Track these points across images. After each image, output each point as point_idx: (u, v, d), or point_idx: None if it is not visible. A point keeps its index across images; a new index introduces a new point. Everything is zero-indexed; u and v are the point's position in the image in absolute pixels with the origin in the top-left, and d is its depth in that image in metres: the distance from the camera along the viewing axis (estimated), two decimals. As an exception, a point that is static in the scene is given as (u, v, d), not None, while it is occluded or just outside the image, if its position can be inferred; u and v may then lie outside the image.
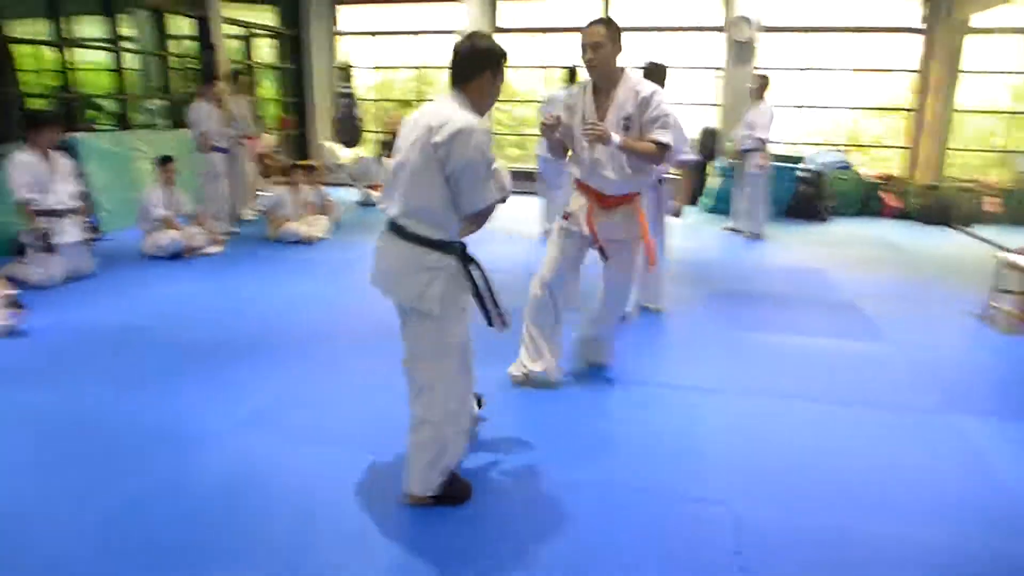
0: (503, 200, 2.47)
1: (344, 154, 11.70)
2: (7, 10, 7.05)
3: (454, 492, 2.56)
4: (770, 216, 8.09)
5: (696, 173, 9.94)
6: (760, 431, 3.22)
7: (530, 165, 11.25)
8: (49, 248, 5.26)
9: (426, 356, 2.44)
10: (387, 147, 10.02)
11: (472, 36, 2.44)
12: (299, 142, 11.96)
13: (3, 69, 7.08)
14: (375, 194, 9.58)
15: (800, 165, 9.48)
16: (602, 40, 3.11)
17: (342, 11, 11.58)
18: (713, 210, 9.39)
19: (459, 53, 2.41)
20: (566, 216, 3.47)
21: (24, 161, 5.23)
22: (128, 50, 8.81)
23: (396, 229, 2.37)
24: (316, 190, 7.79)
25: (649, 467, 2.86)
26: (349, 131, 9.92)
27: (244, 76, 8.11)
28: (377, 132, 11.66)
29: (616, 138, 3.12)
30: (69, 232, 5.46)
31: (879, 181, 9.90)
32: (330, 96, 11.57)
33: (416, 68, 11.87)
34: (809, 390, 3.67)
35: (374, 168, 9.81)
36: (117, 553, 2.27)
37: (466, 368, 2.50)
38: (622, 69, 3.26)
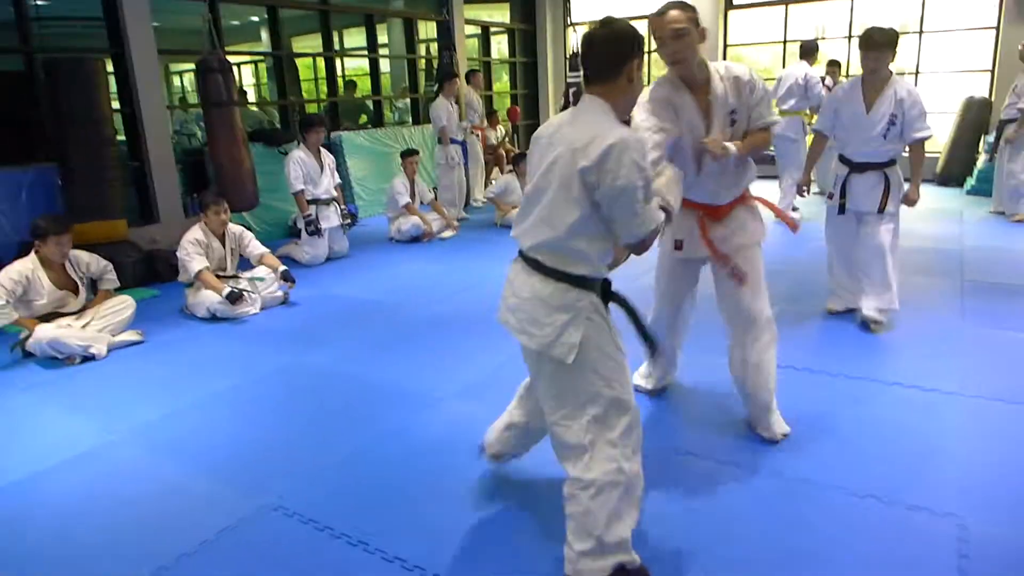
0: (669, 220, 2.16)
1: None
2: (291, 28, 8.21)
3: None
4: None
5: (965, 150, 8.77)
6: (1002, 441, 2.81)
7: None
8: (317, 232, 6.10)
9: (571, 408, 2.00)
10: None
11: (607, 21, 2.00)
12: (529, 132, 12.46)
13: (292, 80, 8.27)
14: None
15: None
16: (685, 26, 2.57)
17: (575, 2, 11.81)
18: (976, 191, 8.21)
19: (595, 43, 1.97)
20: (678, 246, 2.94)
21: (299, 157, 6.11)
22: (382, 56, 9.83)
23: (530, 261, 2.05)
24: (543, 178, 8.10)
25: (869, 468, 2.64)
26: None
27: (477, 73, 8.66)
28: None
29: (732, 148, 2.61)
30: (331, 218, 6.29)
31: None
32: (561, 86, 11.89)
33: (648, 52, 11.75)
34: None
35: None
36: (346, 490, 2.63)
37: (628, 422, 2.01)
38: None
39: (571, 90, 9.96)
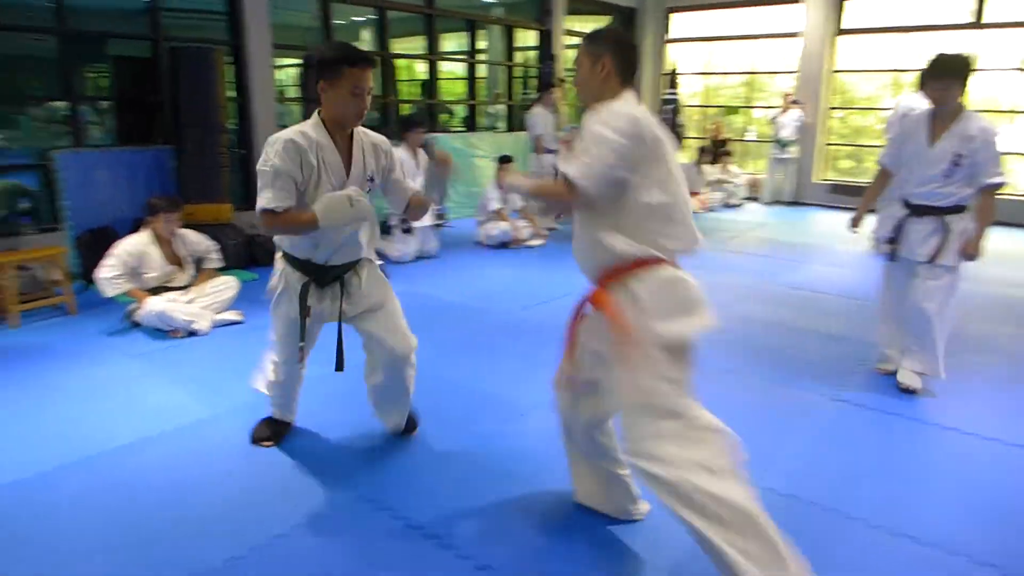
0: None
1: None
2: (393, 30, 8.40)
3: None
4: None
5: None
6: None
7: (863, 179, 10.35)
8: (408, 230, 6.20)
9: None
10: (706, 153, 9.92)
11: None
12: (620, 147, 12.37)
13: (388, 81, 8.47)
14: (694, 202, 9.53)
15: None
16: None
17: (674, 18, 11.69)
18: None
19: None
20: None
21: (399, 157, 6.22)
22: (481, 61, 9.95)
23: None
24: (633, 193, 8.02)
25: (945, 521, 2.48)
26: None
27: (561, 82, 8.67)
28: (698, 138, 11.60)
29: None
30: (424, 217, 6.38)
31: None
32: (656, 102, 11.77)
33: (747, 73, 11.52)
34: None
35: (692, 175, 9.77)
36: (436, 490, 2.64)
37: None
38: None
39: (667, 107, 9.86)
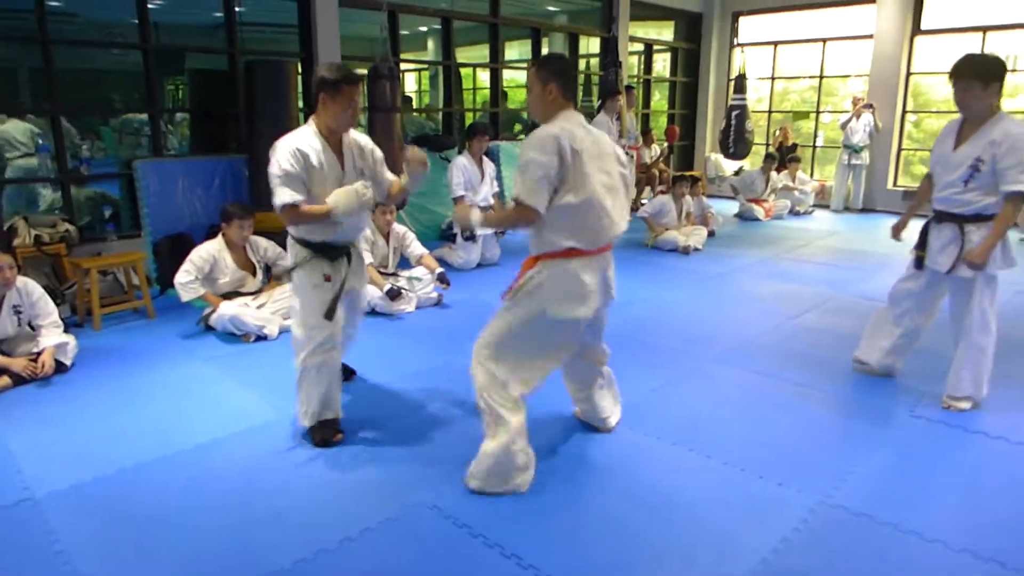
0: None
1: (728, 167, 11.62)
2: (458, 38, 8.50)
3: None
4: None
5: None
6: None
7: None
8: (472, 238, 6.25)
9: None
10: (772, 160, 9.68)
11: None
12: (686, 153, 12.22)
13: (452, 90, 8.57)
14: (757, 208, 9.33)
15: None
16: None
17: (743, 22, 11.47)
18: None
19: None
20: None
21: (462, 164, 6.29)
22: (545, 69, 9.96)
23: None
24: (698, 201, 7.90)
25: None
26: (736, 143, 9.83)
27: (632, 90, 8.57)
28: (765, 144, 11.34)
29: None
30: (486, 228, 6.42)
31: None
32: (721, 108, 11.57)
33: (816, 77, 11.20)
34: None
35: (758, 182, 9.55)
36: (502, 500, 2.64)
37: None
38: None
39: (734, 112, 9.67)
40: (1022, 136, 3.11)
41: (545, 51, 10.05)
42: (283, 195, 2.84)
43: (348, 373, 3.76)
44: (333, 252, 3.08)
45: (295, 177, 2.85)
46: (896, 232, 3.86)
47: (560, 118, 2.65)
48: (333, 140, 3.01)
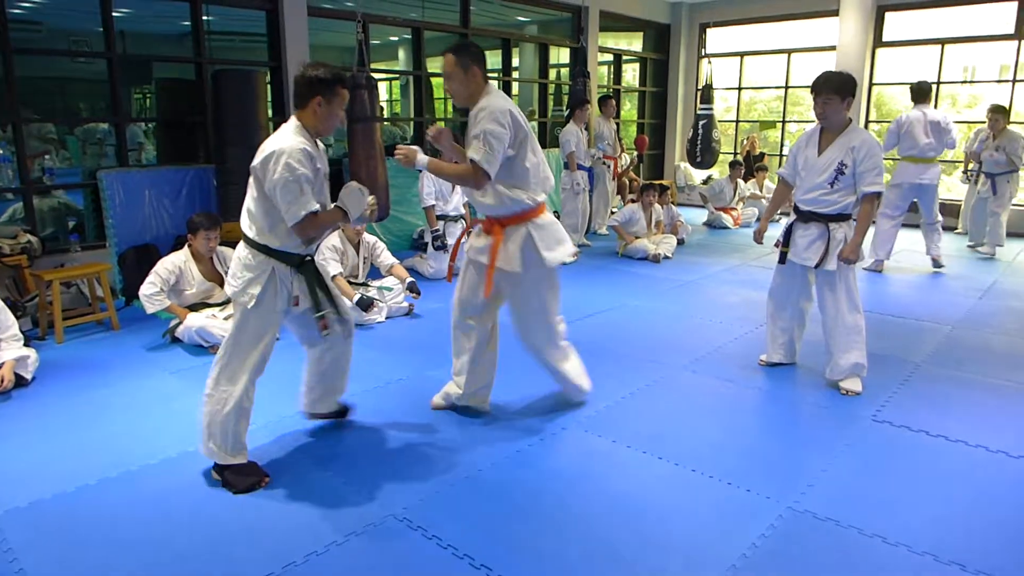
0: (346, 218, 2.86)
1: (697, 175, 11.76)
2: (428, 48, 8.50)
3: None
4: None
5: None
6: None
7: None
8: (444, 247, 6.24)
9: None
10: (739, 168, 9.83)
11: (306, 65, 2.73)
12: (655, 162, 12.35)
13: (423, 100, 8.57)
14: (725, 216, 9.46)
15: None
16: (450, 70, 3.04)
17: (710, 33, 11.65)
18: None
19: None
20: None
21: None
22: (514, 79, 10.01)
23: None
24: (667, 209, 7.99)
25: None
26: (704, 153, 9.96)
27: (610, 99, 8.66)
28: (733, 153, 11.50)
29: (418, 159, 3.06)
30: (458, 234, 6.41)
31: None
32: (690, 118, 11.72)
33: (782, 87, 11.40)
34: None
35: (727, 190, 9.69)
36: (469, 510, 2.64)
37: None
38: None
39: (701, 122, 9.80)
40: (876, 144, 3.62)
41: (516, 61, 10.11)
42: (307, 203, 2.62)
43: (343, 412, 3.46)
44: (298, 263, 2.84)
45: (309, 181, 2.64)
46: (759, 236, 4.22)
47: (490, 95, 2.99)
48: (314, 142, 2.81)
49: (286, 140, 2.65)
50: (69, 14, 6.09)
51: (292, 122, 2.76)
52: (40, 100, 6.21)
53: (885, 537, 2.46)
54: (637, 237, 7.43)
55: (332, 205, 2.86)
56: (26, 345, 3.98)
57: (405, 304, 5.20)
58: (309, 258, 2.88)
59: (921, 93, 6.76)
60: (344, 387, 3.33)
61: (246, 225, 2.80)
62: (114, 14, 5.67)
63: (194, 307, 4.60)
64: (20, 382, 3.80)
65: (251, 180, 2.74)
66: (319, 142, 2.84)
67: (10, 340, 3.85)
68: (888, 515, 2.61)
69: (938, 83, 9.64)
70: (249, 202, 2.77)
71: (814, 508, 2.64)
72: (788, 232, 3.89)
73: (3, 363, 3.74)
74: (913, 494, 2.78)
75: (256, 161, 2.66)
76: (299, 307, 2.88)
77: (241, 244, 2.83)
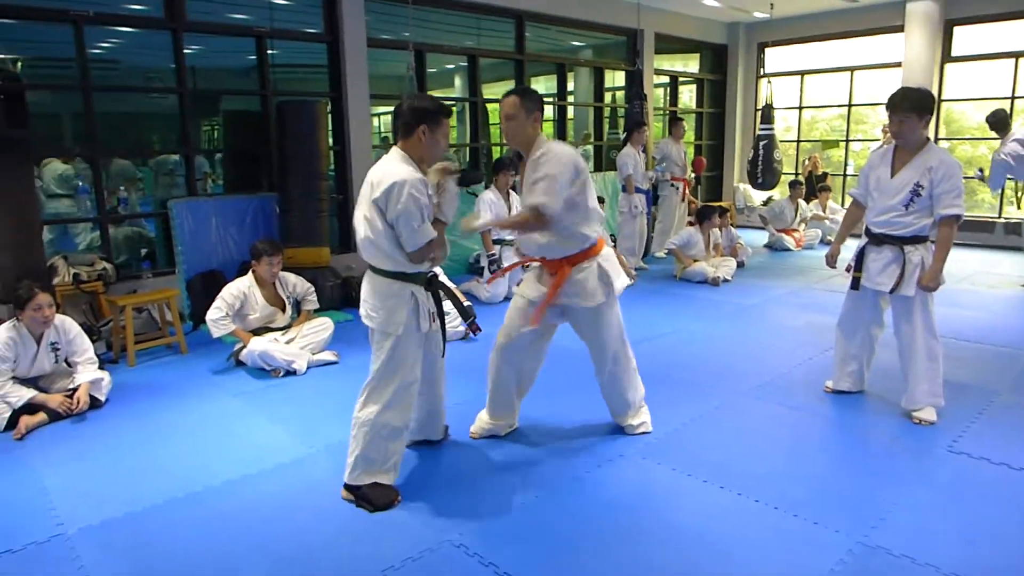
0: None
1: (757, 197, 11.54)
2: (484, 75, 8.62)
3: None
4: None
5: None
6: None
7: (974, 213, 9.76)
8: (498, 265, 6.26)
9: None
10: (800, 189, 9.60)
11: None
12: (714, 184, 12.18)
13: (479, 126, 8.68)
14: (787, 238, 9.24)
15: None
16: (512, 111, 3.09)
17: (769, 52, 11.48)
18: None
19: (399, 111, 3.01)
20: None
21: (489, 199, 6.34)
22: (569, 103, 10.05)
23: None
24: (726, 231, 7.84)
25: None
26: (764, 173, 9.78)
27: (680, 122, 8.61)
28: (794, 173, 11.26)
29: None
30: (512, 259, 6.43)
31: None
32: (749, 138, 11.55)
33: (845, 106, 11.12)
34: None
35: (788, 211, 9.47)
36: (526, 537, 2.60)
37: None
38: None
39: (761, 143, 9.63)
40: (954, 164, 3.43)
41: (571, 86, 10.16)
42: (427, 231, 2.75)
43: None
44: (429, 282, 2.95)
45: (426, 208, 2.75)
46: (831, 260, 4.07)
47: (549, 141, 3.12)
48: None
49: (402, 171, 2.73)
50: (144, 52, 6.40)
51: (396, 152, 2.84)
52: (116, 134, 6.53)
53: (966, 576, 2.32)
54: (696, 260, 7.31)
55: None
56: (100, 368, 4.15)
57: (462, 328, 5.22)
58: (433, 274, 2.99)
59: (1002, 123, 6.50)
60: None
61: (372, 257, 2.84)
62: (185, 51, 5.95)
63: (257, 331, 4.72)
64: (95, 404, 3.96)
65: (364, 212, 2.78)
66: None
67: (86, 363, 4.02)
68: (967, 552, 2.46)
69: (1013, 98, 9.27)
70: (369, 233, 2.78)
71: (887, 544, 2.51)
72: (860, 256, 3.74)
73: (79, 385, 3.91)
74: (993, 530, 2.62)
75: (378, 192, 2.71)
76: (435, 325, 2.99)
77: (370, 276, 2.90)
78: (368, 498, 2.85)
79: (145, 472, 3.21)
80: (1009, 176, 6.79)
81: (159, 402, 4.09)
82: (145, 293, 5.27)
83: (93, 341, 4.29)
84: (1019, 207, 7.62)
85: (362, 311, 2.92)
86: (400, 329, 2.82)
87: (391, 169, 2.76)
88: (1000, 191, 8.06)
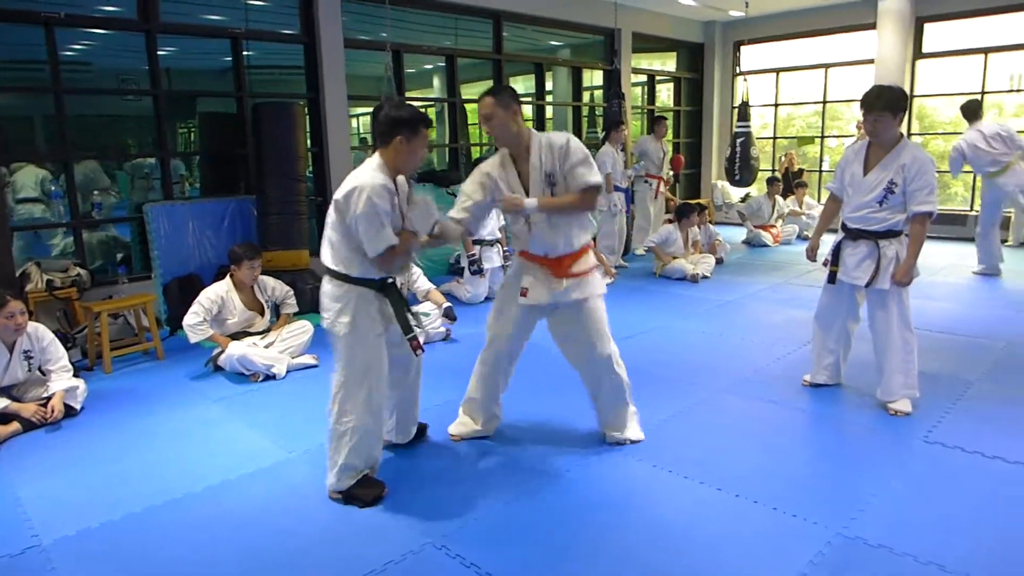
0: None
1: (735, 193, 11.63)
2: (461, 75, 8.61)
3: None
4: None
5: None
6: None
7: (947, 207, 9.91)
8: (480, 271, 6.26)
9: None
10: (777, 185, 9.69)
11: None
12: (692, 181, 12.26)
13: (458, 126, 8.67)
14: (764, 234, 9.32)
15: None
16: (490, 111, 3.07)
17: (744, 51, 11.57)
18: None
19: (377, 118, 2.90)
20: (524, 293, 3.25)
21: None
22: (548, 103, 10.07)
23: None
24: (705, 229, 7.90)
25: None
26: (742, 170, 9.85)
27: (663, 121, 8.67)
28: (771, 170, 11.35)
29: (528, 203, 3.07)
30: (494, 259, 6.44)
31: None
32: (726, 136, 11.63)
33: (820, 103, 11.24)
34: None
35: (765, 208, 9.55)
36: (509, 537, 2.60)
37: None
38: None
39: (738, 140, 9.70)
40: (928, 161, 3.47)
41: (549, 86, 10.18)
42: (387, 238, 2.73)
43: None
44: (386, 288, 2.93)
45: (386, 215, 2.73)
46: (811, 253, 4.09)
47: (538, 134, 3.12)
48: (393, 179, 2.86)
49: (367, 176, 2.74)
50: (117, 54, 6.33)
51: (375, 159, 2.85)
52: (90, 137, 6.44)
53: (943, 565, 2.36)
54: (675, 257, 7.36)
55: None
56: (75, 375, 4.09)
57: (442, 329, 5.22)
58: (391, 281, 2.95)
59: (972, 112, 6.67)
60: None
61: (328, 258, 2.88)
62: (159, 52, 5.88)
63: (235, 336, 4.68)
64: (70, 412, 3.90)
65: (331, 213, 2.84)
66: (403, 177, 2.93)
67: (60, 371, 3.96)
68: (944, 541, 2.50)
69: (983, 93, 9.42)
70: (330, 233, 2.85)
71: (865, 534, 2.55)
72: (837, 250, 3.80)
73: (53, 394, 3.85)
74: (970, 519, 2.66)
75: (339, 195, 2.76)
76: (391, 328, 2.97)
77: (326, 278, 2.91)
78: (357, 495, 2.87)
79: (123, 480, 3.17)
80: (966, 169, 7.03)
81: (136, 409, 4.05)
82: (121, 299, 5.20)
83: (68, 348, 4.23)
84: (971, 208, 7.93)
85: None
86: (345, 330, 2.82)
87: (359, 173, 2.80)
88: (966, 179, 8.29)
